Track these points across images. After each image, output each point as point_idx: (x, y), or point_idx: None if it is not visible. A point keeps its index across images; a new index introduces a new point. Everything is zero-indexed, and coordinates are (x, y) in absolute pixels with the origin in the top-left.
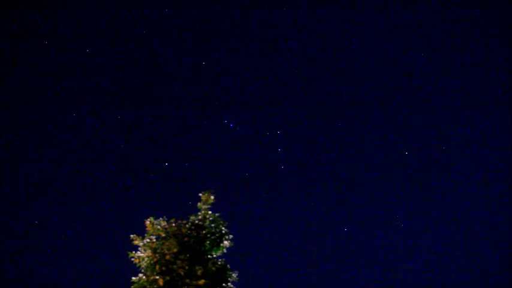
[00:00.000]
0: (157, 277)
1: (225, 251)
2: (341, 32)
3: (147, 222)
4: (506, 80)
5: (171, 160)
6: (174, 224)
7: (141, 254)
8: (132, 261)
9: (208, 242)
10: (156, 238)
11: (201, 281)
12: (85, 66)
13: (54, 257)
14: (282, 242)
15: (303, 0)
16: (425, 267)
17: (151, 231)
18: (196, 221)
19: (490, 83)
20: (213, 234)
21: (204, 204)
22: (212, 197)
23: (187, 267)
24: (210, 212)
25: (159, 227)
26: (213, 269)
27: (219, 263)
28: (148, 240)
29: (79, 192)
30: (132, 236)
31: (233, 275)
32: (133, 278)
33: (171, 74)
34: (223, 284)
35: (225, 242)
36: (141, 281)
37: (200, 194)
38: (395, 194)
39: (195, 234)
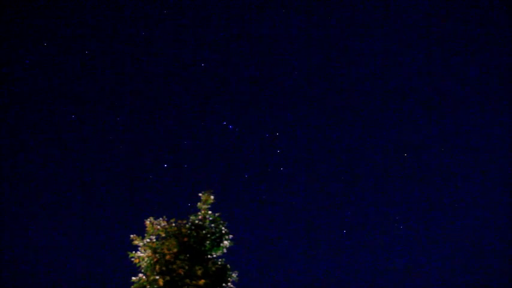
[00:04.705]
0: (157, 277)
1: (225, 251)
2: (340, 33)
3: (147, 222)
4: (506, 80)
5: (171, 160)
6: (174, 224)
7: (141, 254)
8: (132, 261)
9: (208, 242)
10: (156, 238)
11: (201, 281)
12: (85, 66)
13: (54, 257)
14: (282, 241)
15: (303, 1)
16: (425, 268)
17: (151, 231)
18: (196, 221)
19: (490, 83)
20: (213, 234)
21: (204, 204)
22: (212, 197)
23: (187, 267)
24: (210, 212)
25: (159, 227)
26: (213, 269)
27: (219, 263)
28: (148, 240)
29: (79, 192)
30: (132, 236)
31: (233, 275)
32: (134, 278)
33: (171, 75)
34: (223, 284)
35: (225, 242)
36: (141, 281)
37: (200, 194)
38: (394, 195)
39: (195, 234)
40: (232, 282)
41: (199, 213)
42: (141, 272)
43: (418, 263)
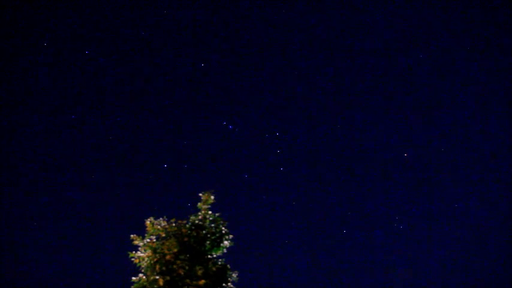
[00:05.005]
0: (157, 277)
1: (225, 251)
2: (340, 33)
3: (147, 222)
4: (506, 80)
5: (171, 160)
6: (174, 224)
7: (141, 254)
8: (132, 261)
9: (208, 242)
10: (156, 238)
11: (201, 281)
12: (85, 66)
13: (54, 256)
14: (282, 241)
15: (303, 1)
16: (425, 268)
17: (151, 231)
18: (197, 221)
19: (490, 83)
20: (213, 234)
21: (204, 204)
22: (212, 197)
23: (187, 267)
24: (210, 212)
25: (159, 227)
26: (213, 269)
27: (219, 263)
28: (148, 240)
29: (79, 192)
30: (132, 236)
31: (233, 275)
32: (134, 278)
33: (171, 75)
34: (223, 284)
35: (225, 242)
36: (141, 281)
37: (200, 194)
38: (394, 195)
39: (195, 234)
40: (232, 282)
41: (199, 213)
42: (141, 272)
43: (418, 263)
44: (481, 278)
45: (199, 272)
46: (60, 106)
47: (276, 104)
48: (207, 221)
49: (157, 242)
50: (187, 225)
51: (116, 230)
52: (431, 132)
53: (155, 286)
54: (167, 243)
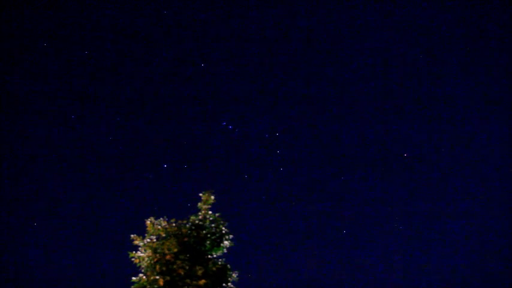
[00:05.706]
0: (157, 277)
1: (225, 251)
2: (340, 33)
3: (148, 222)
4: (506, 80)
5: (171, 160)
6: (174, 224)
7: (142, 254)
8: (132, 261)
9: (208, 242)
10: (156, 238)
11: (202, 281)
12: (84, 66)
13: (54, 256)
14: (282, 242)
15: (303, 1)
16: (425, 268)
17: (151, 231)
18: (197, 221)
19: (490, 83)
20: (213, 234)
21: (204, 204)
22: (212, 197)
23: (187, 267)
24: (210, 212)
25: (159, 227)
26: (214, 269)
27: (219, 263)
28: (148, 240)
29: (79, 192)
30: (132, 236)
31: (233, 275)
32: (134, 278)
33: (171, 75)
34: (223, 284)
35: (225, 242)
36: (141, 281)
37: (200, 194)
38: (394, 195)
39: (195, 234)
40: (232, 282)
41: (199, 213)
42: (141, 272)
43: (418, 263)
44: (481, 278)
45: (199, 272)
46: (60, 106)
47: (276, 104)
48: (207, 221)
49: (158, 242)
50: (188, 225)
51: (116, 230)
52: (431, 132)
53: (155, 286)
54: (167, 243)
